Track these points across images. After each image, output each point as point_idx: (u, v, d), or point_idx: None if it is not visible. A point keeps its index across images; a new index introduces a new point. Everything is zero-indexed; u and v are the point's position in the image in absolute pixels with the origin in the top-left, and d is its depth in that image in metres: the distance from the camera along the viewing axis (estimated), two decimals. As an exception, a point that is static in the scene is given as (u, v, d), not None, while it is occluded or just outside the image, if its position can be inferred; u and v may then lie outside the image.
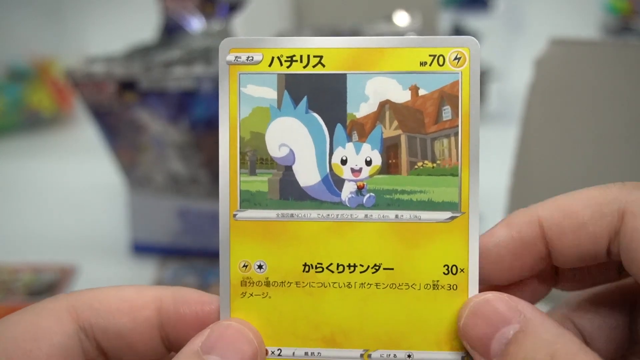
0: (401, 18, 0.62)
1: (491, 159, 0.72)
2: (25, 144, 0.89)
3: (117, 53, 0.61)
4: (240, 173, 0.23)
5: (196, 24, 0.67)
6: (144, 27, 0.74)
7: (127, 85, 0.56)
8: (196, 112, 0.56)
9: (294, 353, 0.23)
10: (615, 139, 0.48)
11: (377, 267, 0.23)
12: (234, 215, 0.23)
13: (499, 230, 0.23)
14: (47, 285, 0.56)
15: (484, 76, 0.92)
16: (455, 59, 0.22)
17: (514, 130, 0.49)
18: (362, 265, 0.23)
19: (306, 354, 0.23)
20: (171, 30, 0.67)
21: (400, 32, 0.60)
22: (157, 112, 0.56)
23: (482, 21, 0.99)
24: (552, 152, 0.50)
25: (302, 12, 0.71)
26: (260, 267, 0.23)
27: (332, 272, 0.23)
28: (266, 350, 0.23)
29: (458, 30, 0.96)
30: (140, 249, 0.62)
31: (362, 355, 0.23)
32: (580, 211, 0.22)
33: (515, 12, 0.98)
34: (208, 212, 0.61)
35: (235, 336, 0.22)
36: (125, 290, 0.23)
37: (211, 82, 0.54)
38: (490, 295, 0.22)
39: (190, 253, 0.62)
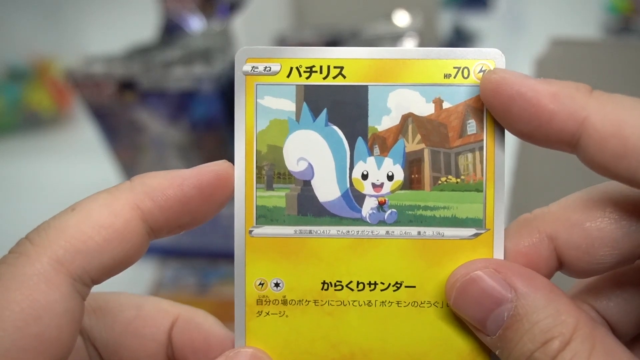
0: (401, 18, 0.62)
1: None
2: (25, 144, 0.89)
3: (117, 53, 0.61)
4: (256, 188, 0.22)
5: (196, 24, 0.67)
6: (144, 27, 0.74)
7: (127, 85, 0.56)
8: (196, 112, 0.56)
9: None
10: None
11: (398, 285, 0.22)
12: (250, 232, 0.22)
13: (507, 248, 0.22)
14: (47, 286, 0.56)
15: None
16: (480, 71, 0.22)
17: (514, 130, 0.49)
18: (383, 283, 0.22)
19: None
20: (171, 30, 0.67)
21: (400, 32, 0.60)
22: (157, 112, 0.56)
23: (482, 21, 0.99)
24: (552, 152, 0.50)
25: (302, 12, 0.71)
26: (277, 285, 0.22)
27: (352, 290, 0.22)
28: None
29: (458, 31, 0.96)
30: (140, 249, 0.62)
31: None
32: (590, 226, 0.21)
33: (515, 12, 0.98)
34: (208, 212, 0.61)
35: None
36: (145, 306, 0.24)
37: (211, 82, 0.54)
38: (478, 272, 0.21)
39: (190, 253, 0.62)
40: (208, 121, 0.56)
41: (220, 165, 0.22)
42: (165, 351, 0.23)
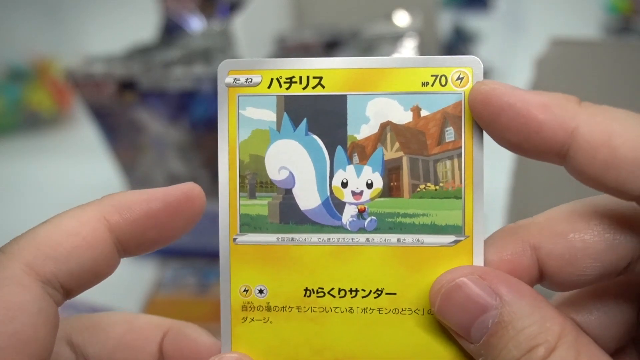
0: (401, 18, 0.62)
1: (491, 159, 0.72)
2: (25, 144, 0.89)
3: (117, 53, 0.61)
4: (239, 197, 0.23)
5: (196, 24, 0.67)
6: (144, 27, 0.74)
7: (127, 85, 0.56)
8: (196, 112, 0.56)
9: None
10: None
11: (379, 292, 0.22)
12: (234, 240, 0.23)
13: (489, 255, 0.22)
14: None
15: (484, 77, 0.92)
16: (458, 79, 0.22)
17: (514, 130, 0.49)
18: (364, 290, 0.22)
19: None
20: (171, 30, 0.67)
21: (400, 32, 0.60)
22: (157, 112, 0.56)
23: (482, 21, 0.99)
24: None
25: (302, 12, 0.71)
26: (261, 291, 0.23)
27: (334, 297, 0.22)
28: None
29: (458, 31, 0.96)
30: (140, 249, 0.62)
31: None
32: (577, 239, 0.21)
33: (515, 12, 0.98)
34: (208, 212, 0.60)
35: None
36: (137, 320, 0.24)
37: (211, 82, 0.54)
38: (463, 279, 0.21)
39: (190, 253, 0.62)
40: (208, 121, 0.56)
41: (188, 185, 0.23)
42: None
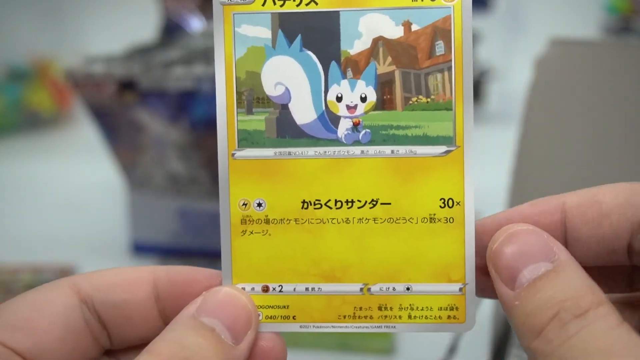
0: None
1: (491, 159, 0.72)
2: (25, 144, 0.89)
3: (117, 53, 0.61)
4: (237, 112, 0.23)
5: (196, 24, 0.67)
6: (144, 27, 0.74)
7: (127, 85, 0.56)
8: (196, 112, 0.56)
9: (294, 289, 0.23)
10: (615, 138, 0.48)
11: (374, 202, 0.23)
12: (232, 155, 0.23)
13: (524, 207, 0.23)
14: (47, 285, 0.56)
15: (484, 76, 0.92)
16: None
17: (514, 130, 0.49)
18: (359, 201, 0.23)
19: (307, 289, 0.23)
20: (171, 30, 0.67)
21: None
22: (157, 112, 0.56)
23: (482, 21, 0.99)
24: (552, 152, 0.50)
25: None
26: (259, 205, 0.23)
27: (331, 208, 0.23)
28: (267, 287, 0.23)
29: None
30: (140, 249, 0.62)
31: (361, 289, 0.23)
32: (606, 201, 0.22)
33: (515, 12, 0.98)
34: (208, 212, 0.61)
35: (228, 300, 0.22)
36: (121, 269, 0.24)
37: (211, 82, 0.54)
38: (532, 227, 0.22)
39: (190, 253, 0.62)
40: (208, 121, 0.56)
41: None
42: (156, 306, 0.24)
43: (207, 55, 0.58)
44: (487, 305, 0.44)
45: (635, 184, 0.22)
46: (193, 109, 0.55)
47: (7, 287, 0.55)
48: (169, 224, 0.62)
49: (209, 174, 0.59)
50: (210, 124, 0.56)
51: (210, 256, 0.61)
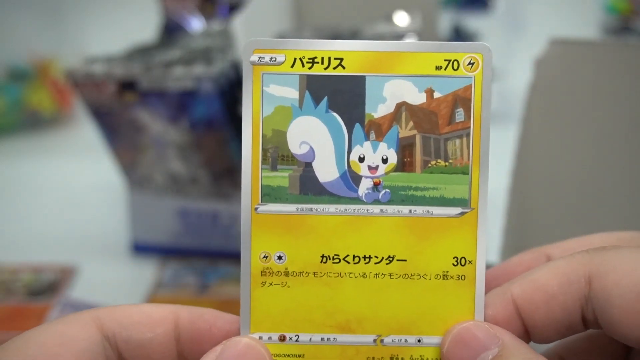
0: (401, 18, 0.62)
1: (491, 159, 0.72)
2: (25, 144, 0.89)
3: (117, 53, 0.61)
4: (262, 169, 0.24)
5: (196, 24, 0.67)
6: (144, 27, 0.74)
7: (127, 85, 0.56)
8: (196, 112, 0.56)
9: (310, 339, 0.24)
10: (615, 138, 0.48)
11: (391, 259, 0.24)
12: (256, 209, 0.24)
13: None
14: (47, 286, 0.56)
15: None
16: (469, 64, 0.23)
17: (514, 130, 0.49)
18: (377, 257, 0.24)
19: (322, 339, 0.24)
20: (171, 30, 0.67)
21: (400, 32, 0.60)
22: (157, 112, 0.56)
23: (482, 21, 0.99)
24: (552, 152, 0.50)
25: (302, 12, 0.71)
26: (280, 258, 0.24)
27: (349, 263, 0.24)
28: (284, 337, 0.24)
29: (458, 31, 0.96)
30: (140, 249, 0.62)
31: (375, 340, 0.24)
32: (549, 283, 0.23)
33: (515, 12, 0.98)
34: (208, 212, 0.61)
35: (248, 352, 0.23)
36: (145, 305, 0.25)
37: (211, 82, 0.54)
38: (472, 323, 0.23)
39: (190, 253, 0.62)
40: (208, 121, 0.56)
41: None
42: (176, 347, 0.24)
43: (207, 55, 0.58)
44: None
45: (571, 257, 0.23)
46: (193, 109, 0.55)
47: (7, 287, 0.55)
48: (169, 224, 0.62)
49: (209, 174, 0.59)
50: (210, 124, 0.56)
51: (210, 256, 0.62)
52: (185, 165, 0.59)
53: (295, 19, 0.71)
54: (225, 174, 0.58)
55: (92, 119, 0.59)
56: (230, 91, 0.56)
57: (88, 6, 1.11)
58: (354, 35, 0.62)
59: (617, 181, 0.49)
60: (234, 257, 0.62)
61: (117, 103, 0.57)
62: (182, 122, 0.56)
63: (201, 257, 0.61)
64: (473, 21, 0.99)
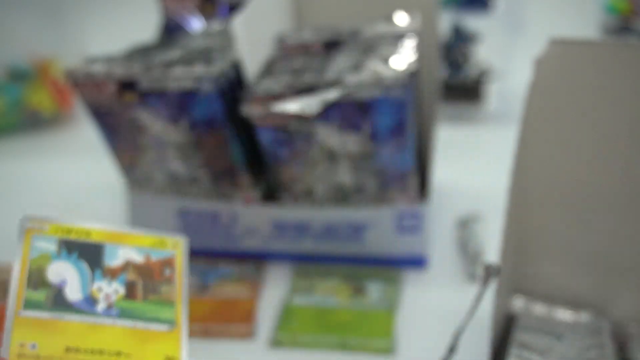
0: (401, 18, 0.62)
1: (491, 159, 0.72)
2: (25, 144, 0.89)
3: (117, 53, 0.61)
4: (27, 289, 0.34)
5: (196, 24, 0.67)
6: (144, 27, 0.74)
7: (127, 85, 0.56)
8: (196, 112, 0.56)
9: None
10: (615, 138, 0.48)
11: (119, 353, 0.34)
12: (19, 313, 0.33)
13: None
14: (47, 285, 0.56)
15: (484, 76, 0.92)
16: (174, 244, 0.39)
17: (514, 130, 0.49)
18: (109, 352, 0.34)
19: None
20: (171, 30, 0.67)
21: (400, 32, 0.60)
22: (157, 112, 0.56)
23: (482, 21, 0.99)
24: (552, 152, 0.50)
25: (302, 12, 0.71)
26: (33, 346, 0.33)
27: (87, 353, 0.34)
28: None
29: (458, 31, 0.96)
30: (140, 249, 0.62)
31: None
32: None
33: (515, 12, 0.98)
34: (208, 212, 0.61)
35: None
36: None
37: (211, 82, 0.54)
38: None
39: (190, 253, 0.62)
40: (208, 121, 0.56)
41: None
42: None
43: (207, 55, 0.58)
44: (487, 305, 0.44)
45: None
46: (193, 109, 0.56)
47: (7, 287, 0.55)
48: (169, 224, 0.62)
49: (209, 174, 0.59)
50: (210, 124, 0.56)
51: (210, 256, 0.62)
52: (185, 165, 0.59)
53: (295, 19, 0.71)
54: (225, 174, 0.58)
55: (92, 119, 0.59)
56: (230, 91, 0.56)
57: (88, 6, 1.11)
58: (354, 35, 0.62)
59: (617, 181, 0.49)
60: (234, 257, 0.62)
61: (117, 103, 0.57)
62: (182, 122, 0.56)
63: (201, 257, 0.61)
64: (473, 21, 0.99)
